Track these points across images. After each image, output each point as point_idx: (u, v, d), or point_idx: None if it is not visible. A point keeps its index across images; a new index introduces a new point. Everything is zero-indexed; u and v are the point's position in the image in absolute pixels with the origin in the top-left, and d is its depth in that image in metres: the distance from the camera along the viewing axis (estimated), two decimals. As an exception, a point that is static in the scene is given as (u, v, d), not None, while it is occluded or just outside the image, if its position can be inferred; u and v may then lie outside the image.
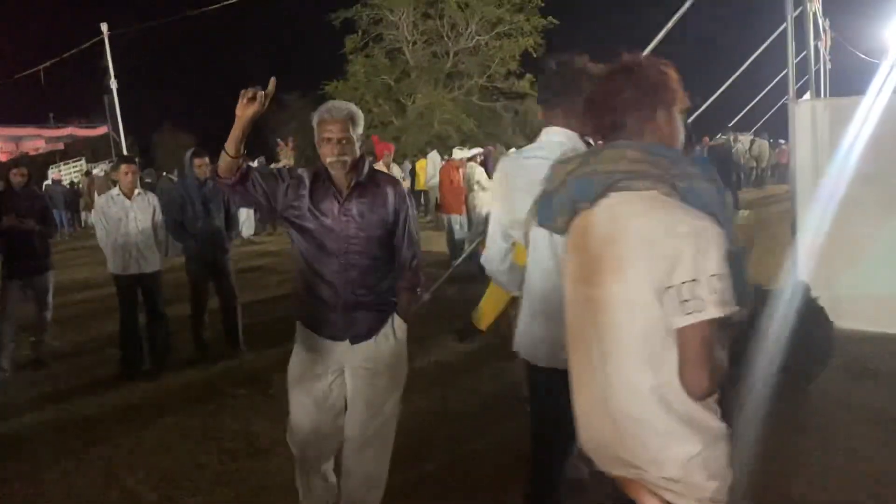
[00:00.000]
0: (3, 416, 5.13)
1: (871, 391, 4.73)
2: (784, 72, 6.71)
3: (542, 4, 26.92)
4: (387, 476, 3.05)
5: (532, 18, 27.09)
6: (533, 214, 2.02)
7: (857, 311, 5.41)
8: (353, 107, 2.83)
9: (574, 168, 1.79)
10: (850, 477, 3.60)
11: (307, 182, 2.83)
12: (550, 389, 2.57)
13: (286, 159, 10.62)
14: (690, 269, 1.54)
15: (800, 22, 6.66)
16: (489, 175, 11.68)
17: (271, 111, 2.58)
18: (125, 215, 5.86)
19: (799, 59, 6.74)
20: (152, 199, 6.12)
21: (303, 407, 2.97)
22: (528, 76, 27.19)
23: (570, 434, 1.94)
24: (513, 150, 19.97)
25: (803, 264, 5.49)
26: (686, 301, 1.54)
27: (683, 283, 1.54)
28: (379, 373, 2.94)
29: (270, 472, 3.97)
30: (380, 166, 8.26)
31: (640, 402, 1.65)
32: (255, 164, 10.99)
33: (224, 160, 2.62)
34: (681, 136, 1.82)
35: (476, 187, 10.20)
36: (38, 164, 28.46)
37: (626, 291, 1.65)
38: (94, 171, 24.15)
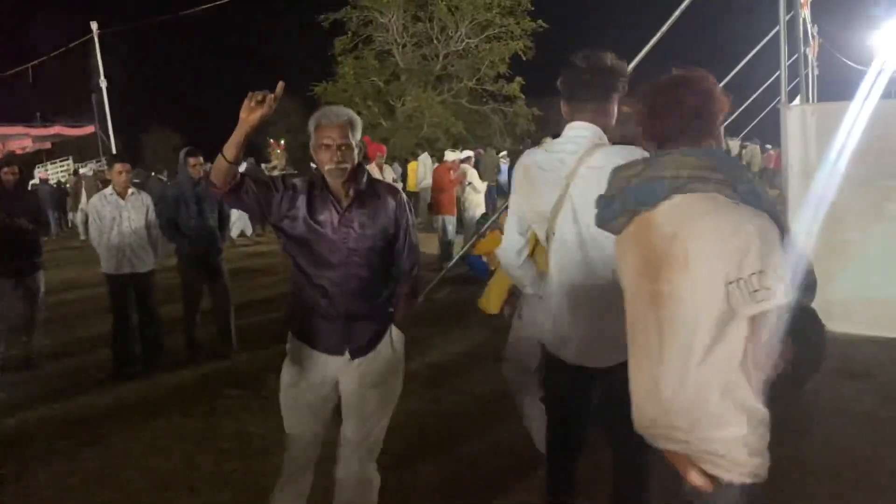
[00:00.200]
0: (-5, 416, 5.09)
1: (862, 393, 4.78)
2: (773, 76, 6.78)
3: (532, 8, 26.99)
4: (380, 478, 3.02)
5: (522, 22, 27.09)
6: (562, 213, 2.21)
7: (847, 315, 5.45)
8: (351, 112, 2.74)
9: (636, 173, 1.93)
10: (843, 478, 3.63)
11: (303, 192, 2.73)
12: (574, 386, 2.61)
13: (277, 160, 10.62)
14: (757, 261, 1.70)
15: (790, 27, 6.73)
16: (482, 177, 11.76)
17: (259, 127, 2.49)
18: (119, 215, 5.85)
19: (789, 63, 6.81)
20: (146, 198, 6.11)
21: (297, 419, 2.92)
22: (518, 79, 27.26)
23: (584, 429, 2.02)
24: (503, 152, 20.07)
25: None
26: (756, 291, 1.69)
27: (752, 274, 1.70)
28: (377, 386, 2.87)
29: (266, 472, 3.95)
30: (372, 167, 8.28)
31: (696, 386, 1.79)
32: (245, 164, 10.95)
33: (221, 165, 2.50)
34: (722, 141, 2.01)
35: (468, 189, 10.24)
36: (25, 163, 28.21)
37: (692, 285, 1.79)
38: (82, 171, 23.99)
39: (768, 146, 24.03)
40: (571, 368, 2.55)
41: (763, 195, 1.83)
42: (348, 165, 2.68)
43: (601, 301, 2.44)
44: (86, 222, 14.84)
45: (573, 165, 2.46)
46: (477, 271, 7.83)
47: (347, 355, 2.81)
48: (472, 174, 10.49)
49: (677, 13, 6.54)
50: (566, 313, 2.53)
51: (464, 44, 27.78)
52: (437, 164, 13.30)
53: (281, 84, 2.41)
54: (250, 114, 2.39)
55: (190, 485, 3.92)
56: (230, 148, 2.46)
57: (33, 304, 6.19)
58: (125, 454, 4.37)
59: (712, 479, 1.82)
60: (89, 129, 30.40)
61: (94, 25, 16.05)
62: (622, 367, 2.48)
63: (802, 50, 7.26)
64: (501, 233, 2.91)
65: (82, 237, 17.40)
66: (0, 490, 3.96)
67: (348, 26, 27.80)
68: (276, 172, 16.52)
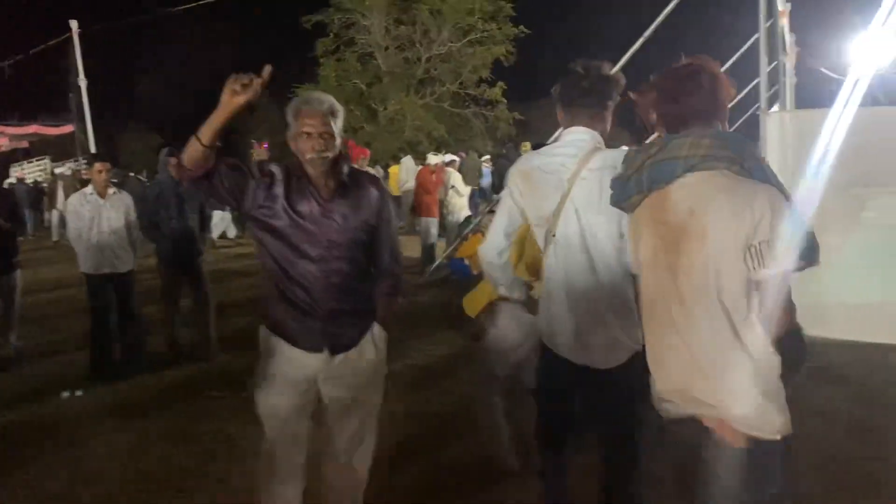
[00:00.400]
0: (-30, 417, 5.00)
1: (842, 397, 4.84)
2: (752, 84, 6.86)
3: (514, 14, 27.13)
4: (367, 480, 2.98)
5: (504, 27, 27.20)
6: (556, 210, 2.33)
7: (826, 320, 5.52)
8: (332, 99, 2.62)
9: (652, 154, 2.06)
10: (824, 482, 3.67)
11: (280, 179, 2.59)
12: (568, 380, 2.64)
13: (259, 158, 10.56)
14: (769, 230, 1.86)
15: (769, 34, 6.82)
16: (465, 181, 11.79)
17: (240, 114, 2.35)
18: (98, 214, 5.79)
19: (768, 70, 6.89)
20: (126, 197, 6.06)
21: (274, 419, 2.77)
22: (500, 84, 27.35)
23: (574, 421, 2.08)
24: (486, 156, 20.08)
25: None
26: (766, 257, 1.87)
27: (762, 241, 1.87)
28: (360, 385, 2.79)
29: (250, 473, 3.92)
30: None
31: (721, 349, 1.94)
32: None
33: (194, 148, 2.33)
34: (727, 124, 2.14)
35: (451, 192, 10.27)
36: (2, 163, 27.81)
37: (711, 255, 1.93)
38: (60, 171, 23.68)
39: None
40: (568, 363, 2.60)
41: (768, 169, 1.99)
42: (330, 154, 2.57)
43: (601, 300, 2.52)
44: (61, 223, 14.68)
45: (575, 168, 2.53)
46: (459, 274, 7.85)
47: (327, 353, 2.71)
48: (456, 178, 10.51)
49: (659, 20, 6.61)
50: (566, 312, 2.57)
51: (446, 48, 27.79)
52: (420, 167, 13.33)
53: (268, 68, 2.26)
54: (233, 97, 2.24)
55: (175, 486, 3.88)
56: (206, 131, 2.31)
57: (9, 303, 6.11)
58: (107, 456, 4.32)
59: (744, 438, 1.94)
60: (68, 129, 29.98)
61: (73, 24, 15.87)
62: (619, 370, 2.53)
63: (781, 59, 7.34)
64: (484, 236, 2.93)
65: (54, 238, 17.18)
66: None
67: (330, 28, 27.71)
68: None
